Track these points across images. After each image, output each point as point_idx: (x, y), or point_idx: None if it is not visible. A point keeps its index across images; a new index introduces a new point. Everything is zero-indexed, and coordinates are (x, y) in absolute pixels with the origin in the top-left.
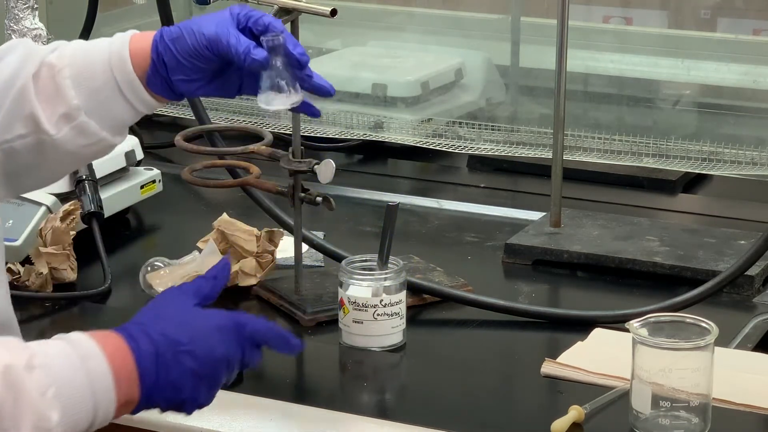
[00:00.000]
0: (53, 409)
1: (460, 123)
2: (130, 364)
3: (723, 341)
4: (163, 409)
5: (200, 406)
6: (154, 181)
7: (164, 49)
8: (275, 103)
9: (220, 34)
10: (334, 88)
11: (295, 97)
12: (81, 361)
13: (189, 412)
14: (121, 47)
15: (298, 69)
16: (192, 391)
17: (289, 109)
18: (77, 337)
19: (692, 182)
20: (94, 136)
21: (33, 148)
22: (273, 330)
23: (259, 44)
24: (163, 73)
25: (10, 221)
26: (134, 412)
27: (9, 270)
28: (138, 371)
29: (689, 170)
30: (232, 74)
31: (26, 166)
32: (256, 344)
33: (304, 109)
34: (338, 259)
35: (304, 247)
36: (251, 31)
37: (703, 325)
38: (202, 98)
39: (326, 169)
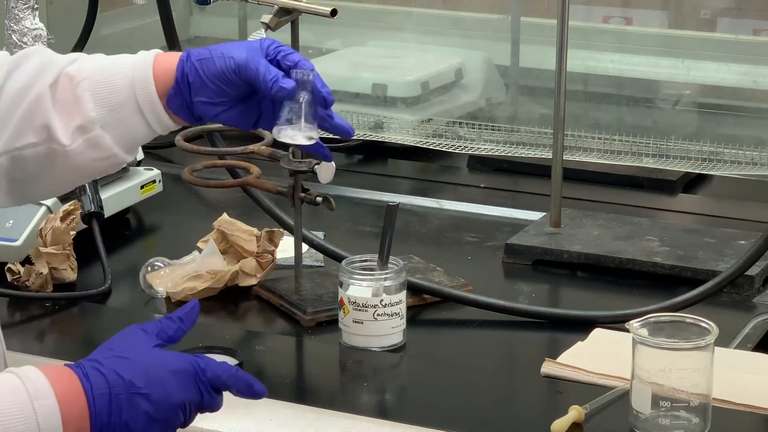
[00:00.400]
0: None
1: (460, 123)
2: (82, 404)
3: (723, 341)
4: None
5: None
6: (154, 181)
7: (190, 69)
8: (291, 137)
9: (250, 60)
10: (354, 130)
11: (312, 135)
12: (30, 399)
13: None
14: (145, 66)
15: (322, 107)
16: None
17: (302, 148)
18: (30, 373)
19: (692, 182)
20: (107, 150)
21: (42, 158)
22: (235, 376)
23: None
24: (185, 93)
25: (10, 221)
26: None
27: (9, 270)
28: (89, 411)
29: (689, 170)
30: (253, 105)
31: (33, 175)
32: (215, 389)
33: (317, 150)
34: (338, 259)
35: (304, 247)
36: (279, 64)
37: (703, 325)
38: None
39: (326, 169)
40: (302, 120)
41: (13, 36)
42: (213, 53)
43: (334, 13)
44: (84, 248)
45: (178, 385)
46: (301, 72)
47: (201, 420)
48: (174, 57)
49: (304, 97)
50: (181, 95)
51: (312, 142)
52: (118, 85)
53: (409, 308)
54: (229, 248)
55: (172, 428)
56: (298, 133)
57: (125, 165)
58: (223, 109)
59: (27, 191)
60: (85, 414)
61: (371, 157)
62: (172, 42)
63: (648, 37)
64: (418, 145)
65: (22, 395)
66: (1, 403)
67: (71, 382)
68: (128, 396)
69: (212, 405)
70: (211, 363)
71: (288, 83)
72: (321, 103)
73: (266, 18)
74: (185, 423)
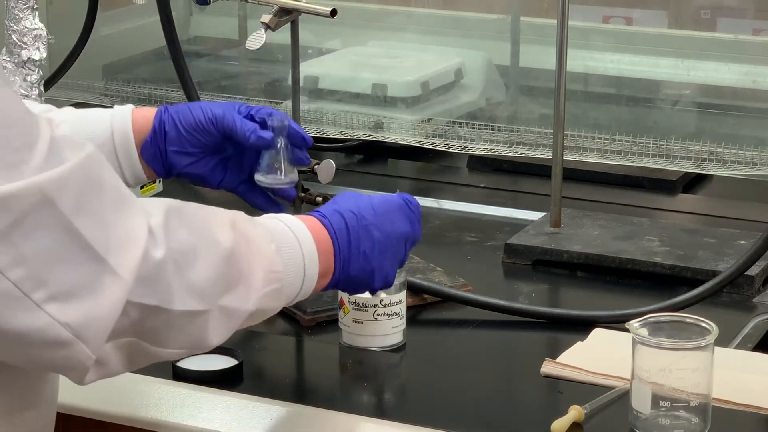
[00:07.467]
0: (278, 260)
1: (460, 123)
2: (326, 237)
3: (723, 341)
4: (354, 284)
5: (386, 279)
6: (154, 181)
7: (167, 119)
8: (275, 181)
9: (227, 113)
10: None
11: (293, 177)
12: (288, 228)
13: (375, 286)
14: (123, 115)
15: (301, 147)
16: (379, 260)
17: (284, 190)
18: (278, 212)
19: (692, 182)
20: None
21: None
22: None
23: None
24: (160, 142)
25: None
26: (329, 286)
27: None
28: (333, 243)
29: (689, 170)
30: (221, 161)
31: None
32: (418, 219)
33: (284, 193)
34: None
35: None
36: (253, 119)
37: (703, 325)
38: (201, 98)
39: (326, 169)
40: (283, 165)
41: (13, 36)
42: (190, 106)
43: (334, 13)
44: None
45: (400, 217)
46: (277, 119)
47: (202, 420)
48: (151, 108)
49: (281, 143)
50: (156, 143)
51: (293, 184)
52: (97, 129)
53: (409, 308)
54: None
55: (399, 259)
56: (280, 178)
57: None
58: (193, 161)
59: None
60: (329, 246)
61: (371, 157)
62: (172, 42)
63: (648, 37)
64: (418, 145)
65: (282, 225)
66: (271, 227)
67: (315, 221)
68: (362, 227)
69: (418, 235)
70: (412, 197)
71: (266, 134)
72: (300, 144)
73: (266, 18)
74: (406, 256)
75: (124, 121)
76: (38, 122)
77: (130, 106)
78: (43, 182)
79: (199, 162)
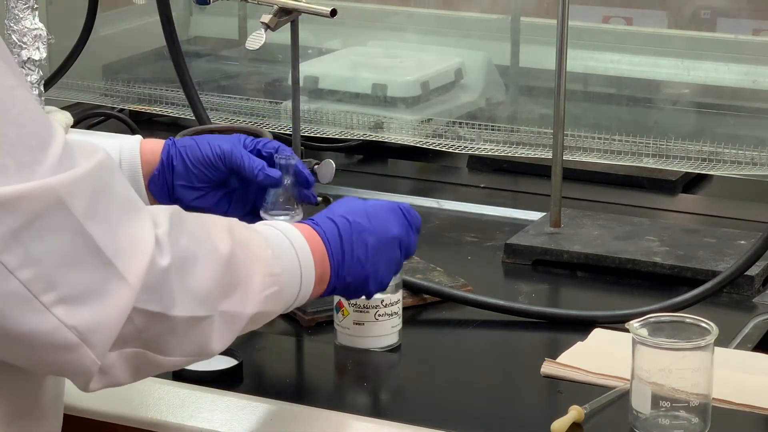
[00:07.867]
0: (275, 262)
1: (460, 123)
2: (320, 243)
3: (723, 341)
4: (351, 289)
5: (381, 283)
6: None
7: (175, 153)
8: (280, 219)
9: (234, 150)
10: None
11: (299, 215)
12: (282, 234)
13: (371, 290)
14: (132, 146)
15: (305, 186)
16: (374, 265)
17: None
18: (276, 224)
19: (692, 182)
20: None
21: None
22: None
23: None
24: (168, 176)
25: None
26: (327, 292)
27: None
28: (326, 248)
29: (689, 170)
30: (226, 194)
31: None
32: (415, 229)
33: None
34: None
35: None
36: (259, 153)
37: (703, 325)
38: (201, 98)
39: (326, 169)
40: (286, 202)
41: (13, 36)
42: (198, 141)
43: (334, 13)
44: None
45: (394, 220)
46: (283, 157)
47: (202, 420)
48: (158, 141)
49: (287, 180)
50: (163, 177)
51: (297, 221)
52: None
53: (408, 308)
54: None
55: (394, 262)
56: (286, 215)
57: None
58: (200, 195)
59: None
60: (324, 250)
61: (371, 157)
62: (172, 42)
63: (648, 37)
64: (418, 145)
65: (275, 231)
66: (265, 232)
67: (307, 227)
68: (355, 233)
69: (414, 243)
70: (409, 206)
71: (274, 172)
72: (304, 184)
73: (266, 18)
74: (401, 261)
75: (132, 153)
76: (53, 125)
77: (138, 138)
78: (56, 184)
79: (205, 196)
